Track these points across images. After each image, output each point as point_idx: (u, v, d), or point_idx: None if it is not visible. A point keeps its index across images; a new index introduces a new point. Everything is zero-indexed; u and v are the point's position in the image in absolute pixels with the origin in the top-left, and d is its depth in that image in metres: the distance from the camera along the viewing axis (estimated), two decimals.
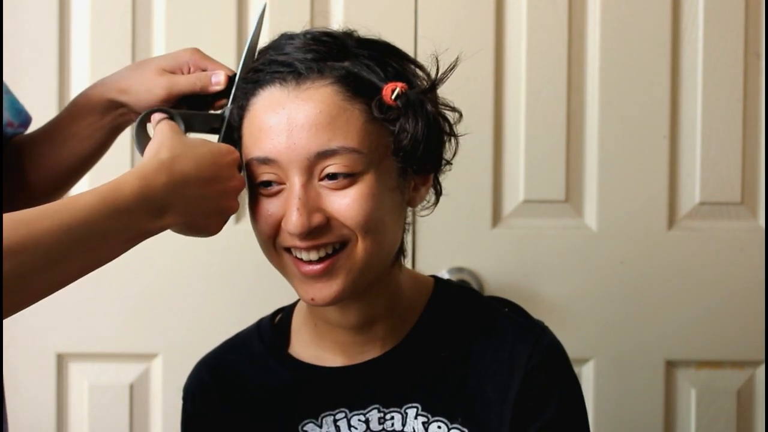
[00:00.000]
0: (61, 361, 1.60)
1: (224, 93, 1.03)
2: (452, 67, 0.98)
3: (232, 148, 0.97)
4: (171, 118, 0.98)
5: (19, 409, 1.56)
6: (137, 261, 1.58)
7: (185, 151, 0.91)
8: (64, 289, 1.66)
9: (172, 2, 1.57)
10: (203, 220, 0.93)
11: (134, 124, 0.99)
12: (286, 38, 1.00)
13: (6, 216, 0.78)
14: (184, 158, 0.90)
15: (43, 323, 1.59)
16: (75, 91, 1.57)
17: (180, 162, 0.90)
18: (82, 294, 1.59)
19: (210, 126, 1.01)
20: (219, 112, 1.02)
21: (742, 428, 1.64)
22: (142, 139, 0.97)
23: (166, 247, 1.58)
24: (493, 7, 1.58)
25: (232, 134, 1.00)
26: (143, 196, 0.86)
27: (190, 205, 0.90)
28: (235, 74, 1.02)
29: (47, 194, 1.17)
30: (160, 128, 0.95)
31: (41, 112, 1.50)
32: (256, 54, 1.02)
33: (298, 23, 1.10)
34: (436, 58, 0.98)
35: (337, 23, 1.53)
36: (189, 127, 0.99)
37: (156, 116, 0.98)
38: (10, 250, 0.76)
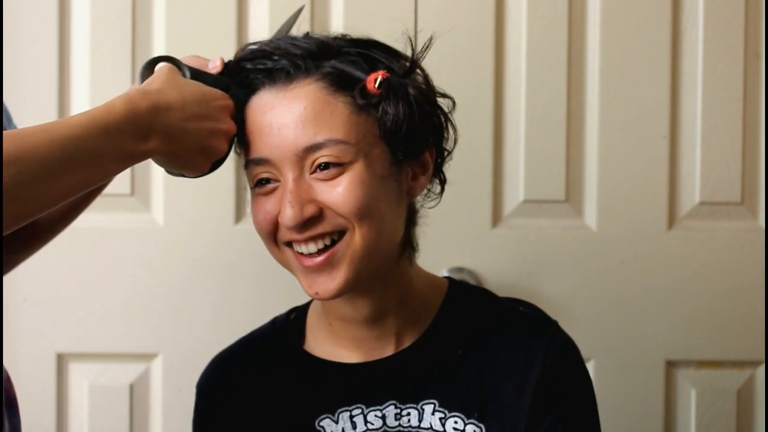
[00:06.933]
0: (61, 361, 1.60)
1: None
2: (427, 46, 1.01)
3: (226, 95, 1.00)
4: (179, 68, 1.00)
5: (20, 409, 1.56)
6: (137, 261, 1.59)
7: (175, 86, 0.95)
8: (64, 289, 1.66)
9: (172, 2, 1.57)
10: (187, 154, 0.96)
11: (141, 67, 1.01)
12: (286, 38, 1.03)
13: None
14: (171, 90, 0.94)
15: (43, 323, 1.59)
16: (75, 92, 1.57)
17: (167, 93, 0.93)
18: (82, 294, 1.59)
19: (216, 87, 1.03)
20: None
21: (742, 428, 1.64)
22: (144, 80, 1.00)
23: (166, 246, 1.58)
24: (493, 8, 1.58)
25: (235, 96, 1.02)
26: (129, 117, 0.89)
27: (174, 133, 0.93)
28: (230, 61, 1.05)
29: (51, 228, 1.17)
30: (159, 68, 0.98)
31: (41, 113, 1.50)
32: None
33: (299, 22, 1.11)
34: (410, 39, 1.01)
35: (337, 17, 1.53)
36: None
37: (163, 63, 1.01)
38: (7, 160, 0.79)
